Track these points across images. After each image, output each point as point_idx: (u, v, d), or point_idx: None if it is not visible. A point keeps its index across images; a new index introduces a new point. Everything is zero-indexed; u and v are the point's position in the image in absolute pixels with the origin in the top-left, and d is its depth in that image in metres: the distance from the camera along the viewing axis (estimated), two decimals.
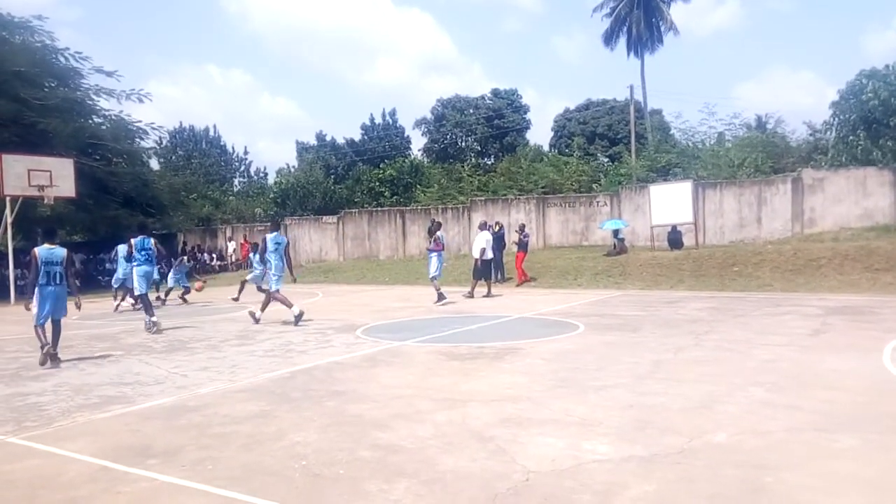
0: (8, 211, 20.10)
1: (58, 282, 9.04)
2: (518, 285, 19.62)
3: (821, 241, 20.70)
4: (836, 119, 29.62)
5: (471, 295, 16.54)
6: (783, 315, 11.70)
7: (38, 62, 23.91)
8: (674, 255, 20.53)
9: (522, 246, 19.94)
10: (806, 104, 76.99)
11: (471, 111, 51.85)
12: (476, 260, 16.87)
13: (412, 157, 49.12)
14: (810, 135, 32.82)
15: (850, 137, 27.65)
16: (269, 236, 12.44)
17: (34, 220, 23.61)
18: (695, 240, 22.87)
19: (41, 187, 20.04)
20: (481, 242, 16.96)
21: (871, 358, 7.70)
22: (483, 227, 18.04)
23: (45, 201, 20.96)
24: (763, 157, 29.17)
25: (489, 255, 17.11)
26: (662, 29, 42.05)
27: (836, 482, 4.08)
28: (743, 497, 3.88)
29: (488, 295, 16.66)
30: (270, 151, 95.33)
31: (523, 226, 21.46)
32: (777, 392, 6.24)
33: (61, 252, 9.18)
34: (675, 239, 22.52)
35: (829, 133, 30.88)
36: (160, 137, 36.14)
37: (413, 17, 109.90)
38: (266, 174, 57.69)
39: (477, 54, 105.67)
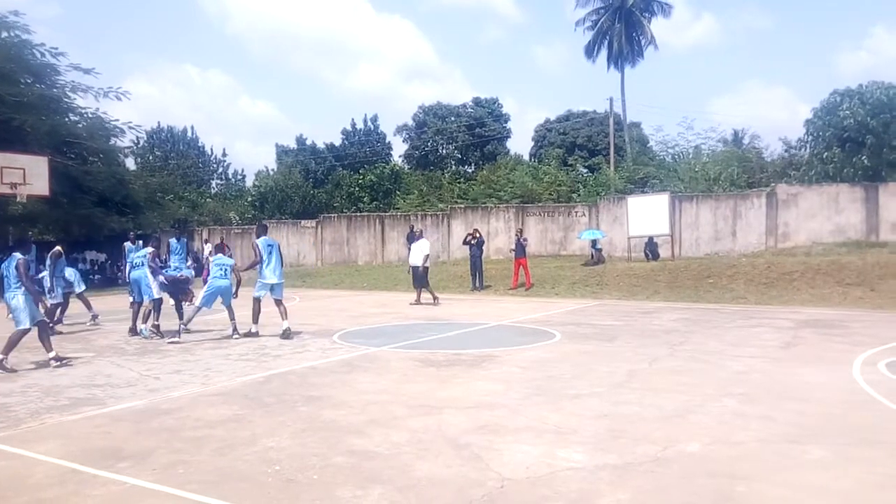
0: None
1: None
2: (527, 289, 19.51)
3: (794, 255, 21.03)
4: (811, 136, 30.25)
5: (417, 302, 16.54)
6: (756, 327, 11.85)
7: (13, 58, 23.48)
8: (650, 266, 20.72)
9: (521, 250, 19.92)
10: (779, 119, 78.33)
11: (452, 119, 51.93)
12: (417, 268, 16.80)
13: (392, 163, 49.04)
14: (785, 151, 33.47)
15: (825, 154, 28.23)
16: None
17: (6, 218, 23.19)
18: (671, 251, 23.11)
19: (14, 185, 19.67)
20: (425, 250, 16.99)
21: (842, 371, 7.83)
22: (421, 235, 18.06)
23: (18, 199, 20.58)
24: (738, 171, 29.65)
25: (428, 262, 17.08)
26: (643, 43, 42.51)
27: (806, 493, 4.14)
28: None
29: (417, 303, 16.57)
30: (249, 154, 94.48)
31: (521, 230, 21.64)
32: (749, 403, 6.32)
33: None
34: (651, 250, 22.77)
35: (803, 149, 31.52)
36: (137, 137, 35.74)
37: (394, 23, 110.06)
38: (244, 177, 57.23)
39: (458, 62, 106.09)
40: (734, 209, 24.86)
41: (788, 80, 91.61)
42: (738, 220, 24.70)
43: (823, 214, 23.46)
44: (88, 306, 13.59)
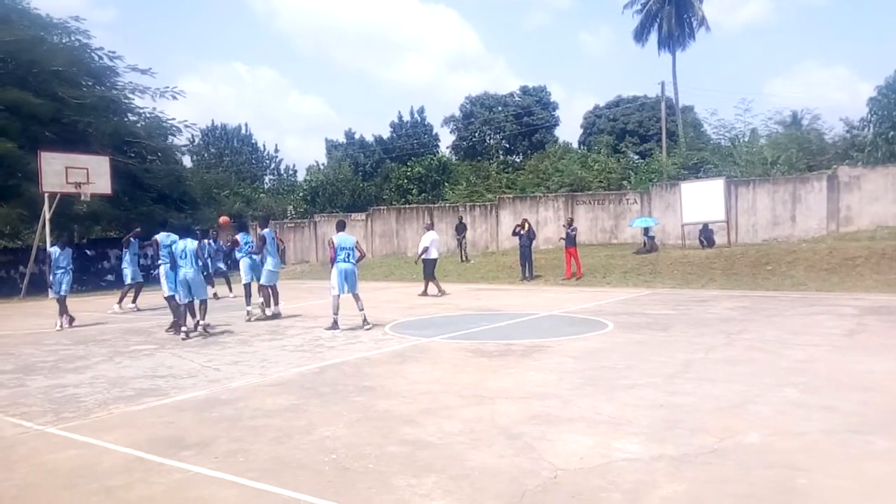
0: (46, 207, 20.59)
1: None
2: (566, 279, 19.46)
3: (857, 239, 20.26)
4: (874, 115, 29.01)
5: (441, 292, 16.72)
6: (817, 315, 11.49)
7: (75, 61, 24.40)
8: (705, 254, 20.27)
9: (570, 240, 19.79)
10: (838, 100, 75.38)
11: (499, 108, 51.70)
12: (423, 259, 17.10)
13: (440, 154, 49.16)
14: (847, 131, 32.14)
15: (890, 133, 27.05)
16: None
17: (71, 216, 24.13)
18: (727, 238, 22.55)
19: (78, 184, 20.49)
20: (426, 242, 17.14)
21: None
22: (429, 227, 18.16)
23: (82, 198, 21.43)
24: (797, 154, 28.65)
25: (433, 255, 17.18)
26: (693, 24, 41.52)
27: (870, 484, 4.01)
28: (775, 498, 3.83)
29: (439, 293, 16.68)
30: (300, 149, 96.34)
31: (571, 220, 21.60)
32: (810, 393, 6.14)
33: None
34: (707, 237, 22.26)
35: (866, 129, 30.25)
36: (192, 135, 36.75)
37: (438, 12, 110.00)
38: (296, 171, 58.29)
39: (503, 50, 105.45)
40: (793, 193, 24.08)
41: (847, 58, 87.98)
42: (798, 205, 23.92)
43: (888, 197, 22.51)
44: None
